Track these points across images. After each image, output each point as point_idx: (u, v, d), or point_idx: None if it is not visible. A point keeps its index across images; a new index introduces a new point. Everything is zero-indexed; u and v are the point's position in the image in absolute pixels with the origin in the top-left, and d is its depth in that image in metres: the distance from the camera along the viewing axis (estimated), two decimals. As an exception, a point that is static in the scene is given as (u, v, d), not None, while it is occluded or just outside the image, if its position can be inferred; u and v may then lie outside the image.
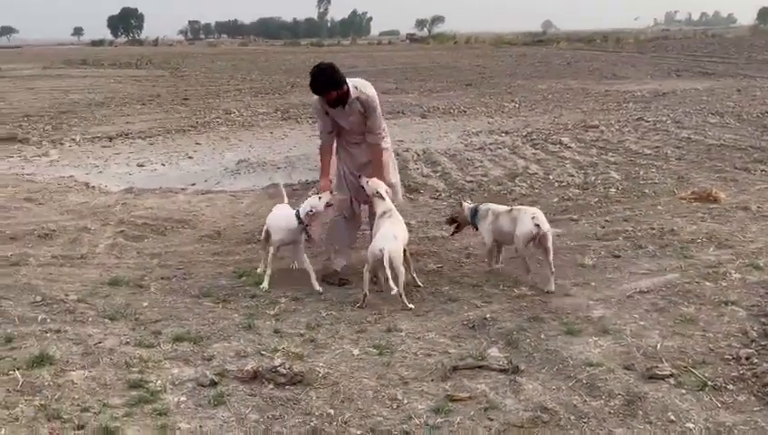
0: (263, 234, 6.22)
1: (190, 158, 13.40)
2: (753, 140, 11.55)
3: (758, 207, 7.45)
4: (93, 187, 10.20)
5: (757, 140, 11.68)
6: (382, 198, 5.74)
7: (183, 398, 3.92)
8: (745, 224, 6.94)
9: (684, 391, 3.87)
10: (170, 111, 20.26)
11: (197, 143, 14.65)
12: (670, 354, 4.29)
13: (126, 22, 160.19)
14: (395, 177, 6.36)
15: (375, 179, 5.85)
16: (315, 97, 5.95)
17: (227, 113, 19.01)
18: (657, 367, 4.09)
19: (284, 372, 4.10)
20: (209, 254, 6.91)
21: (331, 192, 5.98)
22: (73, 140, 15.02)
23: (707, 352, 4.32)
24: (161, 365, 4.31)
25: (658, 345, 4.41)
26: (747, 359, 4.15)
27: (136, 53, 56.71)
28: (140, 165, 12.59)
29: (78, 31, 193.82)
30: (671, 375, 4.02)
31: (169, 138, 15.44)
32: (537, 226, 5.53)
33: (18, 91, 26.08)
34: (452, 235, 6.63)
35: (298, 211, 5.88)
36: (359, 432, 3.55)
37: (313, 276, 5.75)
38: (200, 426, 3.62)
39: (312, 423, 3.63)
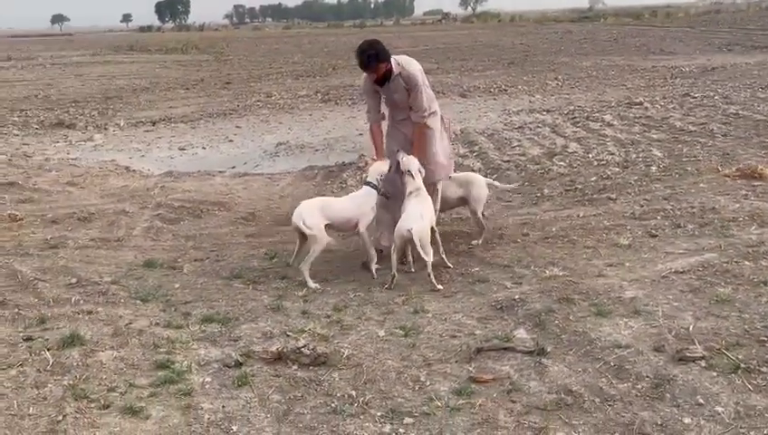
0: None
1: (230, 141, 13.55)
2: (805, 115, 11.10)
3: (806, 184, 7.16)
4: (134, 170, 10.39)
5: (809, 114, 11.22)
6: (412, 177, 5.69)
7: (208, 378, 3.96)
8: (791, 202, 6.68)
9: (715, 374, 3.75)
10: (213, 95, 20.50)
11: (238, 126, 14.80)
12: (703, 336, 4.16)
13: (173, 7, 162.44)
14: (443, 155, 6.24)
15: (410, 157, 5.80)
16: (363, 76, 5.98)
17: (268, 96, 19.13)
18: (688, 349, 3.97)
19: (308, 353, 4.11)
20: (243, 236, 6.98)
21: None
22: (117, 125, 15.33)
23: (742, 333, 4.17)
24: (189, 346, 4.37)
25: (691, 327, 4.28)
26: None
27: (182, 39, 57.45)
28: (182, 149, 12.78)
29: (127, 18, 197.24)
30: (702, 357, 3.90)
31: (210, 121, 15.62)
32: None
33: (67, 77, 26.72)
34: None
35: (368, 182, 5.84)
36: (379, 414, 3.54)
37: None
38: (223, 406, 3.66)
39: (332, 404, 3.64)
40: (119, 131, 14.61)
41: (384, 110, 6.19)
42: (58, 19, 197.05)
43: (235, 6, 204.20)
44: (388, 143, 6.19)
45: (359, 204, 5.77)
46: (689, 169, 8.31)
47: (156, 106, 18.37)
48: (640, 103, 13.74)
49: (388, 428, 3.41)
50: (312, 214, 5.56)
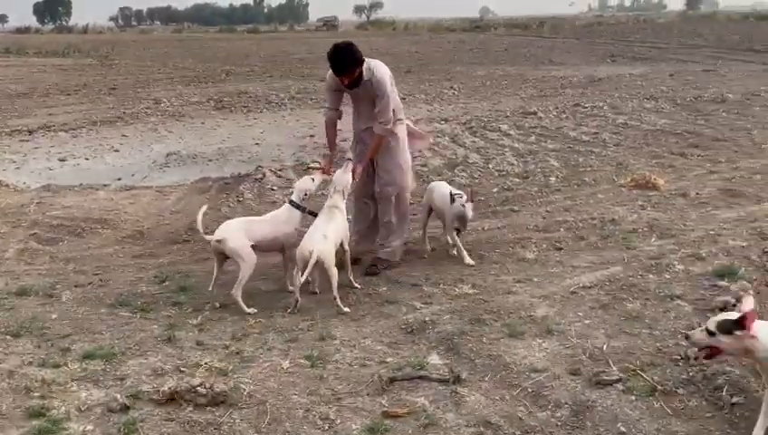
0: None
1: (116, 151, 12.76)
2: (688, 125, 11.60)
3: (696, 194, 7.38)
4: (6, 185, 9.50)
5: (692, 124, 11.74)
6: (335, 192, 5.41)
7: (90, 426, 3.51)
8: (685, 211, 6.84)
9: (633, 398, 3.65)
10: (96, 101, 19.38)
11: (124, 135, 13.98)
12: (617, 356, 4.08)
13: (52, 8, 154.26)
14: (405, 167, 6.06)
15: (346, 175, 5.49)
16: (329, 72, 5.69)
17: (157, 103, 18.27)
18: (604, 371, 3.87)
19: (204, 391, 3.72)
20: (130, 257, 6.44)
21: (324, 172, 5.74)
22: (-11, 133, 14.13)
23: (655, 352, 4.12)
24: (67, 388, 3.88)
25: (605, 346, 4.20)
26: (696, 359, 3.96)
27: (63, 41, 54.41)
28: (62, 159, 11.91)
29: (2, 18, 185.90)
30: (619, 380, 3.80)
31: (94, 130, 14.69)
32: None
33: (-68, 81, 24.62)
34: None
35: (291, 200, 5.45)
36: (285, 460, 3.22)
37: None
38: (107, 460, 3.23)
39: (234, 452, 3.28)
40: (-10, 141, 13.46)
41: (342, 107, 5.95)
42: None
43: (120, 9, 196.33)
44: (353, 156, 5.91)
45: (279, 224, 5.35)
46: (586, 179, 8.43)
47: (33, 113, 17.13)
48: (534, 113, 13.99)
49: (296, 477, 3.08)
50: (237, 235, 5.14)
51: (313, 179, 5.52)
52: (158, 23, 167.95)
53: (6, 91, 21.57)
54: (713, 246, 5.76)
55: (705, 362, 3.48)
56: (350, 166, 5.54)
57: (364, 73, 5.57)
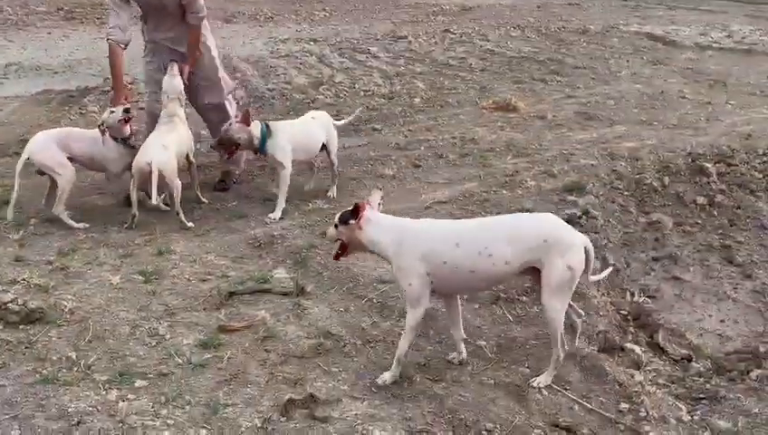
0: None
1: (-54, 60, 11.43)
2: (551, 53, 11.77)
3: (553, 116, 7.48)
4: None
5: (554, 53, 11.93)
6: (169, 100, 4.94)
7: None
8: (542, 133, 6.92)
9: (477, 306, 3.64)
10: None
11: (-45, 42, 12.55)
12: (465, 267, 4.04)
13: None
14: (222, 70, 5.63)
15: (174, 77, 4.96)
16: None
17: (0, 11, 16.52)
18: (450, 281, 3.82)
19: (17, 308, 3.34)
20: (-52, 170, 5.74)
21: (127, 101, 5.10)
22: None
23: (502, 262, 4.11)
24: None
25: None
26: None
27: None
28: None
29: None
30: (465, 289, 3.77)
31: None
32: None
33: None
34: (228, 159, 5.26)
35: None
36: (104, 378, 2.93)
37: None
38: None
39: (45, 371, 2.95)
40: None
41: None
42: None
43: None
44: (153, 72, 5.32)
45: (99, 146, 4.80)
46: (450, 100, 8.36)
47: None
48: (405, 37, 13.77)
49: (114, 394, 2.81)
50: (48, 147, 4.62)
51: (113, 111, 4.87)
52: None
53: None
54: (565, 165, 5.84)
55: (336, 260, 3.33)
56: (176, 67, 5.01)
57: None
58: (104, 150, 4.81)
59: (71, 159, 4.69)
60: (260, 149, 4.89)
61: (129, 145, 4.87)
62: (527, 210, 4.84)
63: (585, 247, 2.95)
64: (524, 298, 3.69)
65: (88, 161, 4.87)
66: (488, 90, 8.99)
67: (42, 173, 4.72)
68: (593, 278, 3.07)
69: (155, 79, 5.25)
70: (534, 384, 2.98)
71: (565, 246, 2.90)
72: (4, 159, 6.04)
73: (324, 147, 5.23)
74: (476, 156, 6.16)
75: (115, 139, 4.82)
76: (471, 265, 2.88)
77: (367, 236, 3.01)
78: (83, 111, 7.64)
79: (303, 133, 5.05)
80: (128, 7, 5.07)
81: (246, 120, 4.84)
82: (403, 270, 2.93)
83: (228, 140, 4.86)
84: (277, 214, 4.81)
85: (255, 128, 4.85)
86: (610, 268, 3.22)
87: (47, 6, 17.63)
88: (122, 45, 5.09)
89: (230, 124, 4.86)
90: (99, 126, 4.82)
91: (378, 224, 3.03)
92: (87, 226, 4.58)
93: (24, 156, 4.62)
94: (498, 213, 4.82)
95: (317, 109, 7.99)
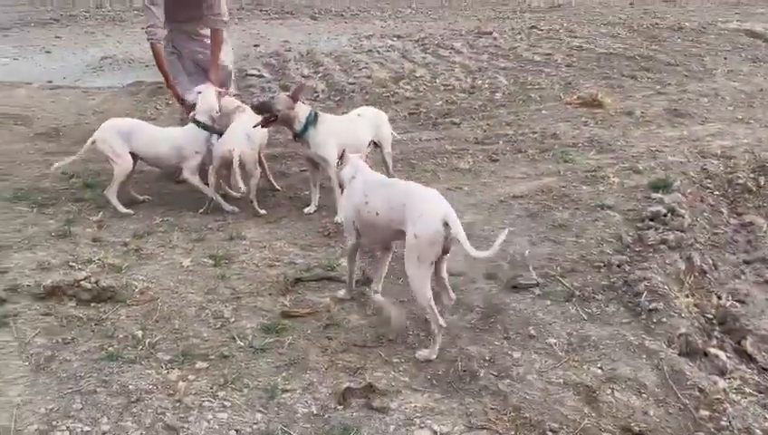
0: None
1: (48, 53, 12.08)
2: (642, 50, 11.30)
3: (642, 113, 7.14)
4: None
5: (646, 49, 11.45)
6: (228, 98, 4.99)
7: (-43, 320, 3.18)
8: (628, 129, 6.62)
9: (549, 302, 3.46)
10: (35, 3, 18.29)
11: (58, 37, 13.22)
12: (539, 262, 3.87)
13: None
14: (229, 59, 5.59)
15: (207, 87, 4.98)
16: None
17: (98, 7, 17.37)
18: (521, 276, 3.67)
19: (90, 286, 3.41)
20: (41, 154, 6.01)
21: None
22: None
23: (578, 259, 3.92)
24: (-62, 280, 3.53)
25: (526, 252, 3.98)
26: (619, 266, 3.78)
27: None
28: (-12, 59, 11.19)
29: None
30: (537, 284, 3.61)
31: (26, 30, 13.84)
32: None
33: None
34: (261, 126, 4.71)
35: (196, 120, 4.83)
36: (167, 358, 2.94)
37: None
38: (-31, 354, 2.92)
39: (111, 348, 2.99)
40: None
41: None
42: None
43: None
44: (182, 63, 5.40)
45: (178, 144, 4.80)
46: (533, 96, 8.13)
47: (-37, 12, 16.08)
48: (490, 33, 13.58)
49: (175, 374, 2.82)
50: (110, 136, 4.72)
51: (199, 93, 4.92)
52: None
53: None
54: (651, 161, 5.56)
55: None
56: (209, 86, 5.00)
57: None
58: (177, 151, 4.80)
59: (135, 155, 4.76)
60: (299, 134, 4.59)
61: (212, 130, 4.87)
62: (608, 207, 4.63)
63: (444, 220, 2.89)
64: (599, 296, 3.49)
65: (156, 160, 4.93)
66: (573, 86, 8.71)
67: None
68: (477, 254, 2.87)
69: (176, 66, 5.33)
70: (418, 356, 2.98)
71: (417, 214, 2.95)
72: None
73: (375, 144, 4.99)
74: (557, 151, 5.95)
75: (196, 123, 4.85)
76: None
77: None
78: (170, 103, 7.84)
79: (347, 130, 4.74)
80: (161, 3, 5.09)
81: (295, 97, 4.58)
82: None
83: (268, 107, 4.54)
84: (340, 215, 4.36)
85: (303, 110, 4.59)
86: (503, 237, 2.94)
87: (142, 3, 18.35)
88: (162, 42, 5.21)
89: (278, 93, 4.72)
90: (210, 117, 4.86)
91: None
92: (132, 212, 4.64)
93: (90, 139, 4.74)
94: (576, 209, 4.63)
95: (397, 103, 8.02)
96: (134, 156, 4.76)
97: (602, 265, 3.82)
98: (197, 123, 4.81)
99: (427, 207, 2.97)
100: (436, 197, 3.04)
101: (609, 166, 5.50)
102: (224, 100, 4.93)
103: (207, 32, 5.31)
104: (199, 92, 4.90)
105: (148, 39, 5.17)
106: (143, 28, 5.22)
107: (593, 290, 3.55)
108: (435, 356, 2.98)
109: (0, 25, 14.34)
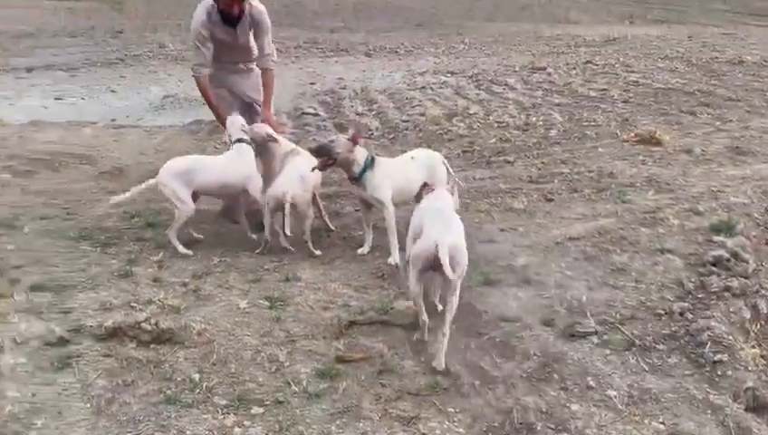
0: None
1: (113, 92, 12.50)
2: (701, 85, 11.11)
3: (702, 151, 6.99)
4: (-7, 119, 9.25)
5: (705, 84, 11.24)
6: (276, 141, 5.10)
7: (23, 359, 3.28)
8: (688, 167, 6.48)
9: (608, 351, 3.39)
10: (101, 43, 19.02)
11: (122, 76, 13.70)
12: (596, 308, 3.80)
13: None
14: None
15: (260, 125, 5.15)
16: (199, 21, 5.09)
17: (161, 47, 17.90)
18: (579, 323, 3.61)
19: (149, 328, 3.49)
20: (104, 192, 6.16)
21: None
22: (-13, 70, 13.88)
23: (638, 305, 3.84)
24: (8, 320, 3.65)
25: (584, 298, 3.91)
26: (681, 314, 3.68)
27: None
28: (58, 98, 11.69)
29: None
30: (595, 333, 3.55)
31: (93, 70, 14.40)
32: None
33: (-62, 19, 24.24)
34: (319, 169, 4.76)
35: (241, 139, 5.06)
36: (223, 402, 2.98)
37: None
38: (32, 394, 3.01)
39: (169, 391, 3.04)
40: (-14, 78, 13.20)
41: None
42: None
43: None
44: (224, 94, 5.48)
45: (238, 166, 4.95)
46: (588, 133, 8.05)
47: (36, 53, 16.80)
48: (544, 68, 13.52)
49: (230, 420, 2.85)
50: (171, 181, 4.78)
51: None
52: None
53: (13, 31, 21.17)
54: (713, 202, 5.42)
55: None
56: (259, 124, 5.19)
57: (246, 7, 5.09)
58: (239, 173, 4.94)
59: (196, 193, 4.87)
60: (356, 177, 4.65)
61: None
62: (668, 250, 4.53)
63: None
64: (661, 346, 3.40)
65: (219, 190, 5.04)
66: (630, 122, 8.58)
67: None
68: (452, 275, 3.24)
69: (226, 99, 5.42)
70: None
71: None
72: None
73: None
74: (614, 191, 5.85)
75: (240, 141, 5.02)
76: None
77: None
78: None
79: (400, 174, 4.77)
80: (210, 45, 5.20)
81: (355, 139, 4.67)
82: None
83: (328, 150, 4.61)
84: (395, 257, 4.53)
85: (361, 153, 4.65)
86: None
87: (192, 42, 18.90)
88: (207, 79, 5.30)
89: (337, 136, 4.79)
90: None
91: None
92: (191, 253, 4.72)
93: (151, 180, 4.82)
94: (635, 252, 4.54)
95: (451, 140, 8.04)
96: (194, 195, 4.88)
97: (663, 312, 3.73)
98: (241, 141, 5.01)
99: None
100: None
101: (668, 207, 5.38)
102: (279, 142, 5.06)
103: (253, 66, 5.45)
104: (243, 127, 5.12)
105: (193, 75, 5.33)
106: (193, 65, 5.34)
107: (654, 339, 3.46)
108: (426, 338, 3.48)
109: (69, 66, 14.94)
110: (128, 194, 4.82)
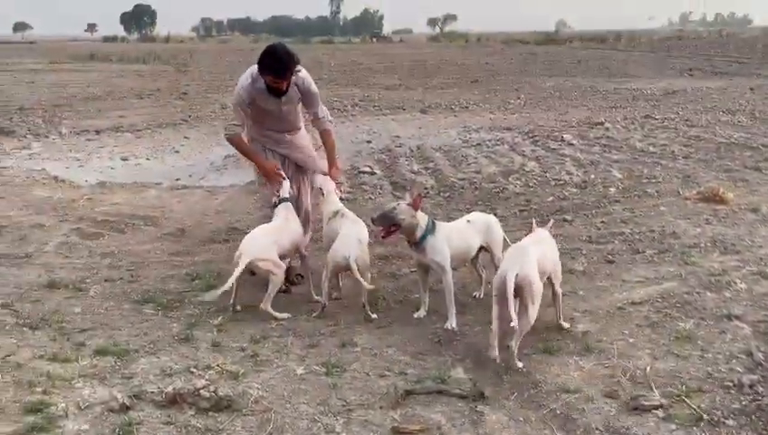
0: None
1: (177, 152, 12.91)
2: (766, 139, 10.85)
3: (769, 209, 6.79)
4: (63, 180, 9.65)
5: (770, 138, 10.98)
6: (330, 197, 5.24)
7: (85, 426, 3.34)
8: (754, 227, 6.29)
9: (674, 427, 3.25)
10: (166, 105, 19.77)
11: (186, 137, 14.15)
12: (661, 379, 3.67)
13: (139, 18, 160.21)
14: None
15: (324, 177, 5.31)
16: (243, 85, 5.17)
17: (223, 108, 18.44)
18: (644, 396, 3.48)
19: (208, 395, 3.52)
20: (166, 254, 6.35)
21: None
22: (60, 132, 14.52)
23: (705, 377, 3.69)
24: (72, 384, 3.74)
25: (648, 368, 3.79)
26: (751, 387, 3.52)
27: (146, 49, 56.23)
28: (124, 159, 12.10)
29: (91, 27, 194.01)
30: (660, 406, 3.41)
31: (158, 132, 14.93)
32: None
33: (18, 84, 25.65)
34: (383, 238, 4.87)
35: (285, 198, 5.24)
36: (279, 474, 2.96)
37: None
38: (94, 462, 3.05)
39: (226, 461, 3.05)
40: (59, 140, 13.80)
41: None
42: (20, 27, 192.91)
43: (202, 19, 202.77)
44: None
45: (293, 226, 5.14)
46: (649, 190, 7.92)
47: (105, 115, 17.57)
48: (601, 123, 13.43)
49: (286, 493, 2.82)
50: (269, 250, 4.83)
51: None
52: (238, 33, 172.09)
53: (84, 94, 22.27)
54: (782, 265, 5.23)
55: None
56: (324, 178, 5.35)
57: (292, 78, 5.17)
58: (297, 232, 5.13)
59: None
60: (418, 242, 4.66)
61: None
62: (736, 317, 4.37)
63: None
64: (730, 421, 3.24)
65: (290, 250, 5.12)
66: (693, 179, 8.42)
67: (252, 273, 4.91)
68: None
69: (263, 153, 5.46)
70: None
71: None
72: (215, 244, 6.59)
73: (485, 249, 5.01)
74: (678, 252, 5.71)
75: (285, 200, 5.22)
76: None
77: None
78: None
79: (458, 237, 4.80)
80: (249, 113, 5.27)
81: (416, 205, 4.69)
82: None
83: (392, 217, 4.64)
84: (452, 322, 4.55)
85: (422, 218, 4.68)
86: None
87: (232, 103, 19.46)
88: (239, 136, 5.36)
89: (399, 203, 4.83)
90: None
91: None
92: (288, 315, 4.77)
93: (245, 259, 4.69)
94: (701, 319, 4.39)
95: (507, 199, 8.01)
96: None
97: (732, 384, 3.58)
98: (286, 200, 5.18)
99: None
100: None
101: (734, 269, 5.22)
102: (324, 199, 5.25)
103: (298, 132, 5.54)
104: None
105: (225, 134, 5.39)
106: (229, 123, 5.42)
107: (723, 414, 3.31)
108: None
109: (134, 127, 15.55)
110: (226, 285, 4.62)
